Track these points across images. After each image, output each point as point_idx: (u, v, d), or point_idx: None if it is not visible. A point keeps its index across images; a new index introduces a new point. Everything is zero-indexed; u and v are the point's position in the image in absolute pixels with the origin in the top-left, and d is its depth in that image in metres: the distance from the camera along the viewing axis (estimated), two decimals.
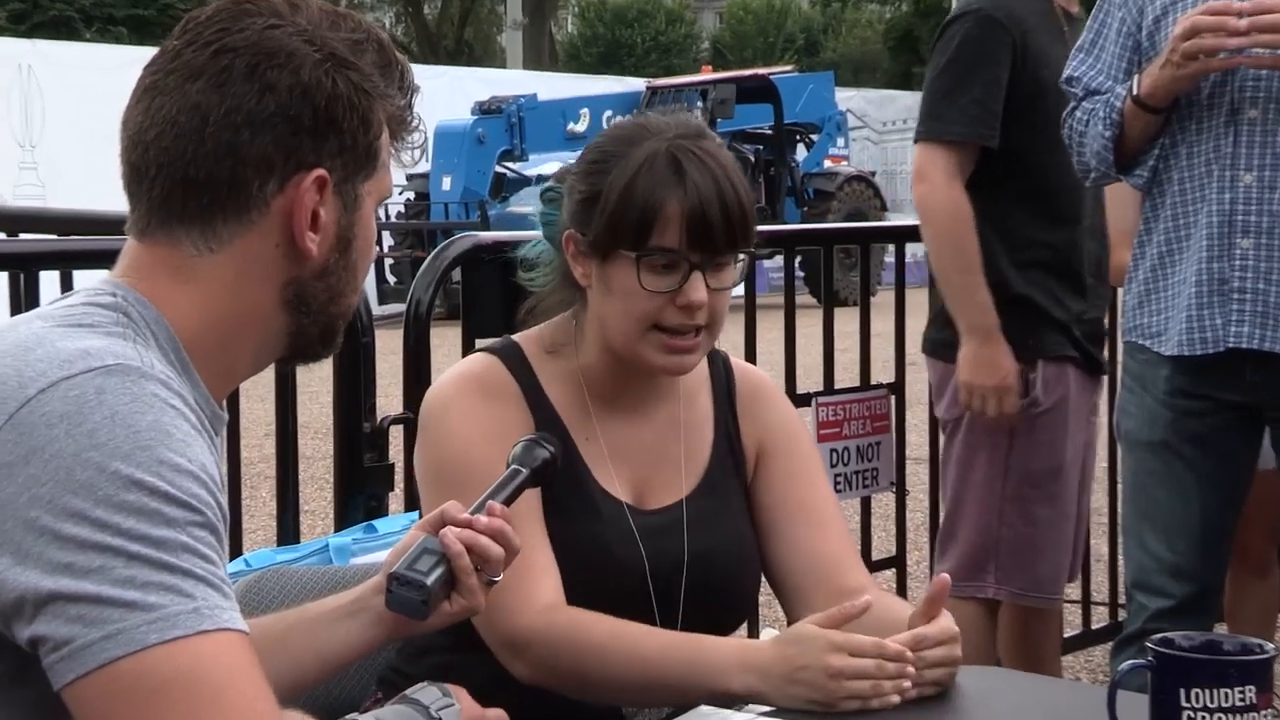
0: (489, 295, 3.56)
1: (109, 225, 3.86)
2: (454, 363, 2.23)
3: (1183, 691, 1.63)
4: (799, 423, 2.29)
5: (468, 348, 3.43)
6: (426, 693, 1.62)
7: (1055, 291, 3.60)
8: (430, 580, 1.71)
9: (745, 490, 2.21)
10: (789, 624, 2.02)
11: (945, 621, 1.93)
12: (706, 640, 1.98)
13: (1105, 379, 3.87)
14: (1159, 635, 1.71)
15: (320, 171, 1.51)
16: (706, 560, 2.12)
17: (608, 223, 2.06)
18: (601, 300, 2.11)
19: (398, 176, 18.71)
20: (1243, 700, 1.62)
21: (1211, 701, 1.62)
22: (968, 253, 3.52)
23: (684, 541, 2.12)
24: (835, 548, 2.15)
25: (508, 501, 1.81)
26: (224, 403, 1.57)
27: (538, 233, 2.21)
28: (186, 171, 1.49)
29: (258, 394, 3.69)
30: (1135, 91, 3.04)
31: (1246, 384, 3.02)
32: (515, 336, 2.20)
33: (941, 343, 3.69)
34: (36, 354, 1.40)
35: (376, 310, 10.40)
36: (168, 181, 1.50)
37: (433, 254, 3.55)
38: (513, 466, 1.86)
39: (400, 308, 3.77)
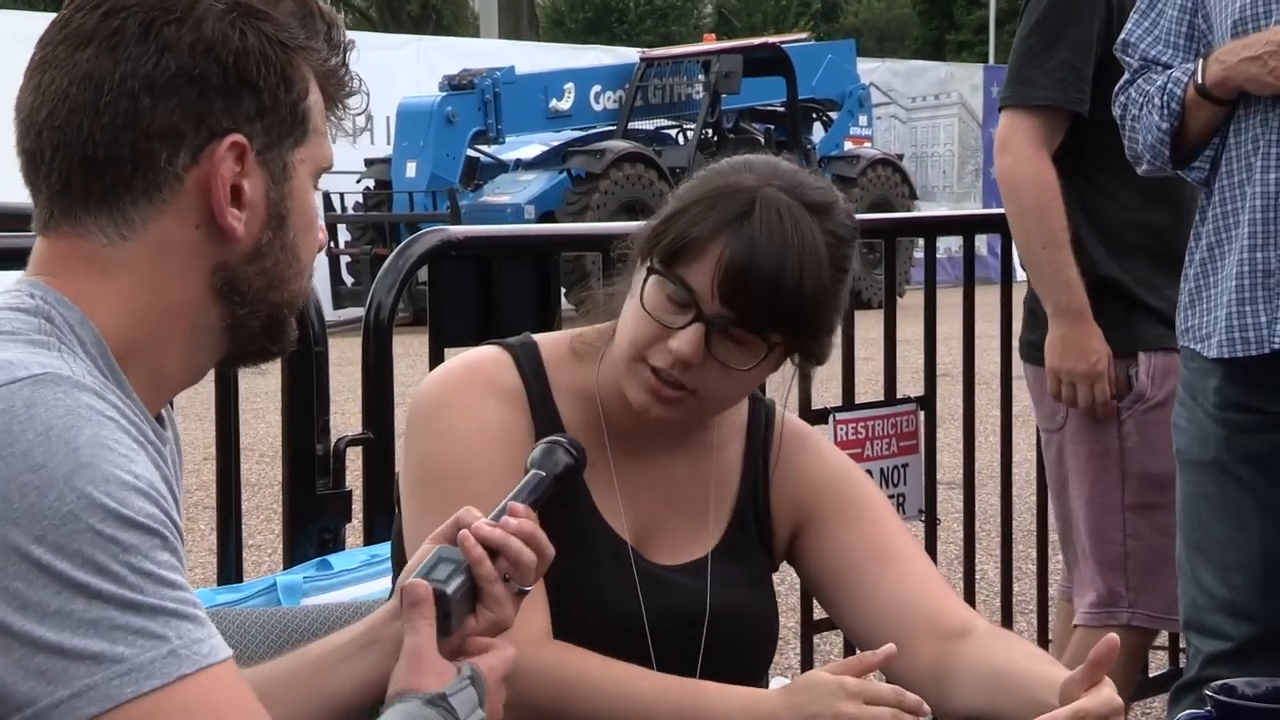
0: (460, 298, 3.58)
1: (12, 220, 3.86)
2: (420, 375, 2.24)
3: None
4: (849, 466, 2.30)
5: (435, 358, 3.45)
6: (464, 697, 1.59)
7: (1152, 279, 3.65)
8: (451, 589, 1.68)
9: (769, 555, 2.24)
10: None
11: (1108, 692, 1.86)
12: (708, 686, 2.02)
13: None
14: (1220, 682, 1.73)
15: (236, 137, 1.52)
16: (718, 628, 2.14)
17: (656, 228, 2.09)
18: (625, 307, 2.13)
19: (355, 161, 18.73)
20: None
21: None
22: (1054, 227, 3.60)
23: (696, 604, 2.14)
24: (922, 587, 2.15)
25: (534, 507, 1.80)
26: (162, 419, 1.57)
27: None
28: (84, 150, 1.50)
29: (195, 412, 3.71)
30: (1200, 80, 3.03)
31: None
32: (536, 336, 2.22)
33: (1038, 345, 3.75)
34: None
35: (331, 316, 10.36)
36: (65, 164, 1.51)
37: (395, 251, 3.58)
38: (532, 471, 1.85)
39: (358, 312, 3.79)
